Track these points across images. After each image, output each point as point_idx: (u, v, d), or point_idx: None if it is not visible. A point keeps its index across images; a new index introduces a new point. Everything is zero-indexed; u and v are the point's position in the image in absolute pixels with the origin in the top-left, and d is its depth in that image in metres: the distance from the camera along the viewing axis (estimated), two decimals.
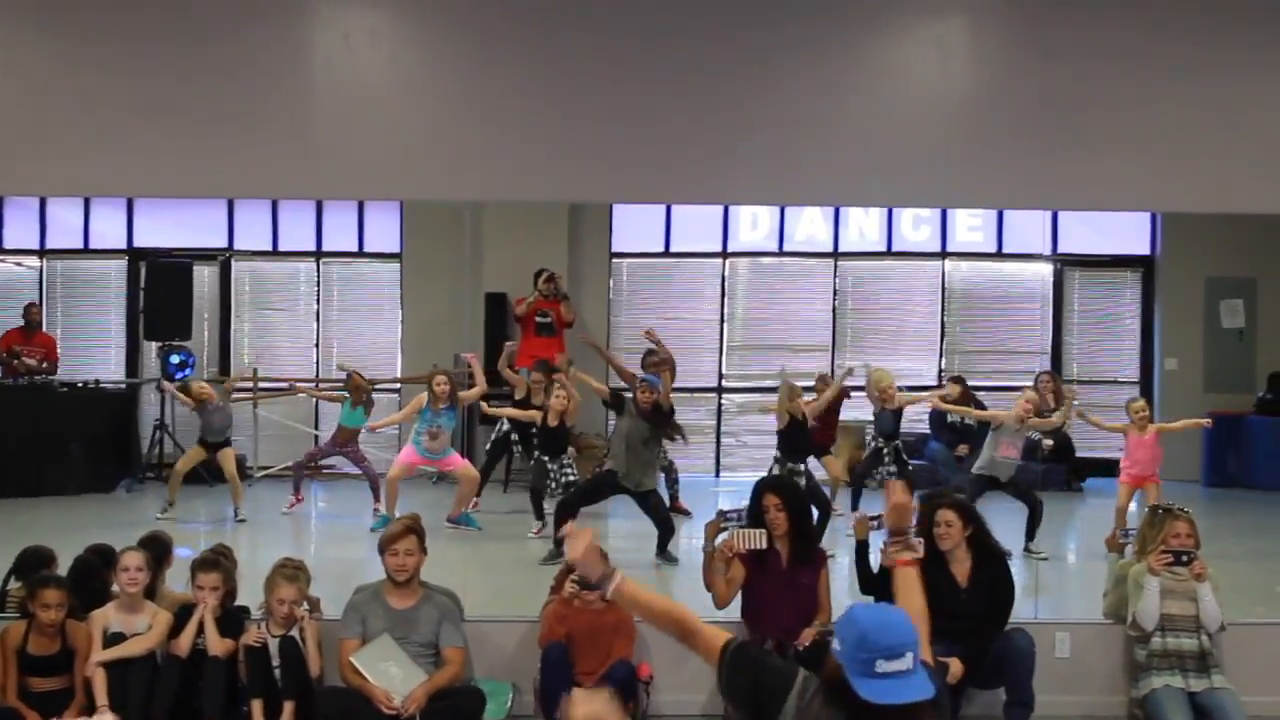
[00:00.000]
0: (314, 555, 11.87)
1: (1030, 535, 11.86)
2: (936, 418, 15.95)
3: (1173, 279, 18.15)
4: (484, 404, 14.20)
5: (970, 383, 15.76)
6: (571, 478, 12.92)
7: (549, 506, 12.71)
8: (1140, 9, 9.33)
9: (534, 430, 13.44)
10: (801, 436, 12.54)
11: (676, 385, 13.34)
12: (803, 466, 12.39)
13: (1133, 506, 12.34)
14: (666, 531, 11.60)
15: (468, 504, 13.19)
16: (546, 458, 12.97)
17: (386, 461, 14.44)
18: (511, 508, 14.39)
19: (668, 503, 12.93)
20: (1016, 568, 9.26)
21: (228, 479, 13.76)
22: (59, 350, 17.04)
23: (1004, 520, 10.85)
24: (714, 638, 4.46)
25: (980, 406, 14.34)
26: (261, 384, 16.94)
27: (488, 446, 14.87)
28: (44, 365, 16.43)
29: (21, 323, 16.63)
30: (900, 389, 13.85)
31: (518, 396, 14.24)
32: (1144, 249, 18.47)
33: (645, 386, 11.87)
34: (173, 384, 15.21)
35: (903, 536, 5.15)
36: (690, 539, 11.74)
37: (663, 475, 13.29)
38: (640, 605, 4.79)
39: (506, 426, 14.38)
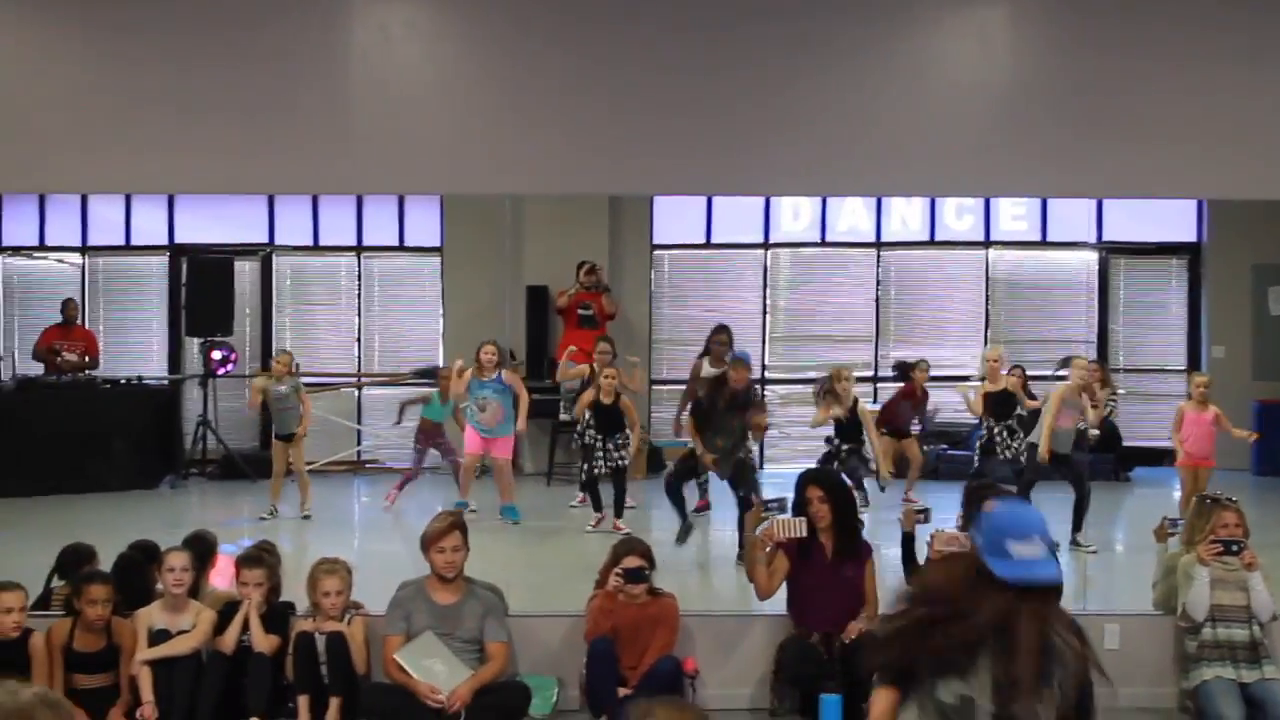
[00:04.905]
0: (357, 550, 11.86)
1: (1077, 526, 11.77)
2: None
3: (1219, 266, 17.99)
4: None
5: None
6: (624, 462, 12.82)
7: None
8: None
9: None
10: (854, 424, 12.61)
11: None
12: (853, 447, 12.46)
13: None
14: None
15: (509, 494, 13.20)
16: (601, 437, 12.84)
17: None
18: (555, 502, 14.38)
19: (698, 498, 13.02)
20: (1064, 559, 9.18)
21: (295, 474, 13.81)
22: (100, 345, 17.14)
23: (1053, 511, 10.77)
24: None
25: (1031, 397, 13.92)
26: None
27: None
28: (85, 360, 16.50)
29: (60, 319, 16.70)
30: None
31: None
32: (1190, 236, 18.31)
33: (738, 364, 11.83)
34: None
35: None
36: (730, 531, 11.69)
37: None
38: None
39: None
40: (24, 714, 2.92)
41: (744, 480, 11.68)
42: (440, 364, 14.85)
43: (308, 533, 12.94)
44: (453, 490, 13.87)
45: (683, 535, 11.30)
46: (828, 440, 12.78)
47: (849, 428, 12.64)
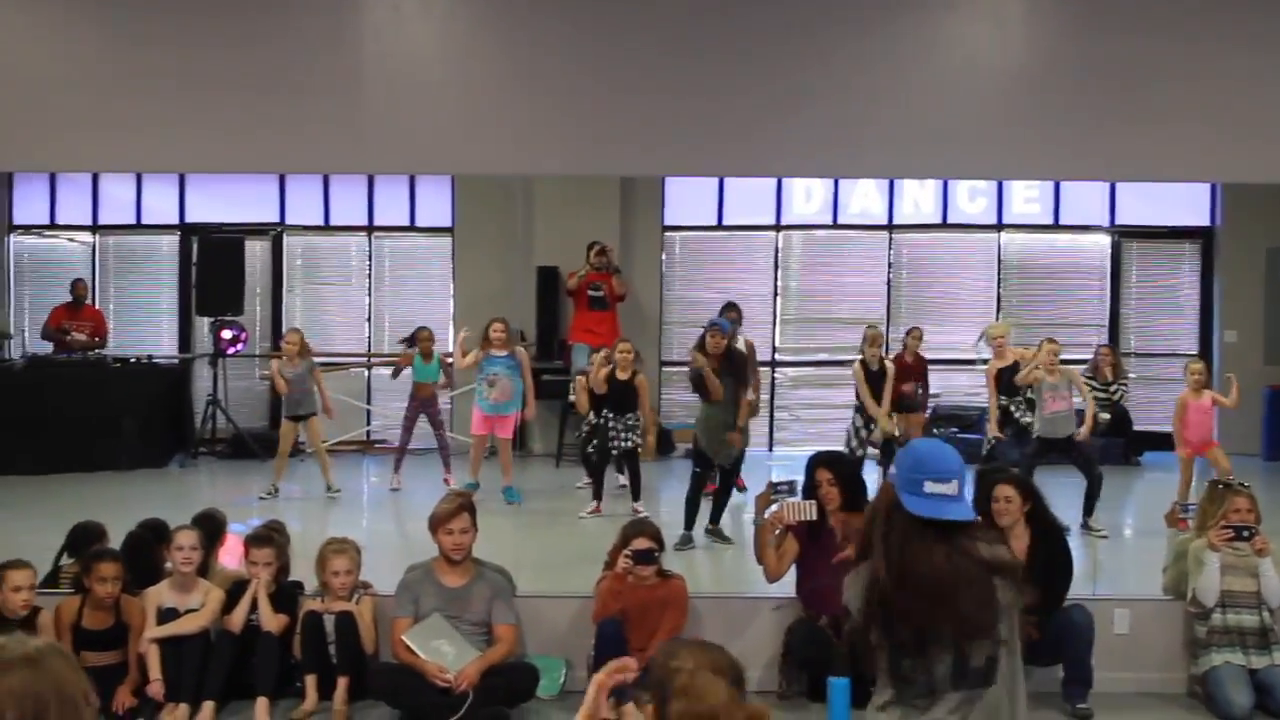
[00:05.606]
0: (366, 530, 11.85)
1: (1089, 510, 11.78)
2: None
3: (1232, 250, 17.92)
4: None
5: None
6: (636, 442, 12.73)
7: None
8: None
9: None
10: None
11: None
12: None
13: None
14: (722, 499, 11.74)
15: (510, 474, 13.26)
16: (611, 415, 12.71)
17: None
18: (564, 483, 14.36)
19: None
20: (1074, 543, 9.16)
21: (314, 452, 13.92)
22: (109, 324, 17.16)
23: (1063, 494, 10.75)
24: None
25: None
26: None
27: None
28: (94, 340, 16.50)
29: (70, 298, 16.70)
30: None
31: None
32: (1203, 220, 18.26)
33: (714, 330, 11.76)
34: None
35: None
36: (745, 513, 11.68)
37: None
38: None
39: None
40: (33, 659, 2.93)
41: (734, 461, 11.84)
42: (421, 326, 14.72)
43: (316, 512, 12.94)
44: (458, 471, 13.90)
45: (682, 543, 11.18)
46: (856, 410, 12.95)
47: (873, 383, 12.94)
